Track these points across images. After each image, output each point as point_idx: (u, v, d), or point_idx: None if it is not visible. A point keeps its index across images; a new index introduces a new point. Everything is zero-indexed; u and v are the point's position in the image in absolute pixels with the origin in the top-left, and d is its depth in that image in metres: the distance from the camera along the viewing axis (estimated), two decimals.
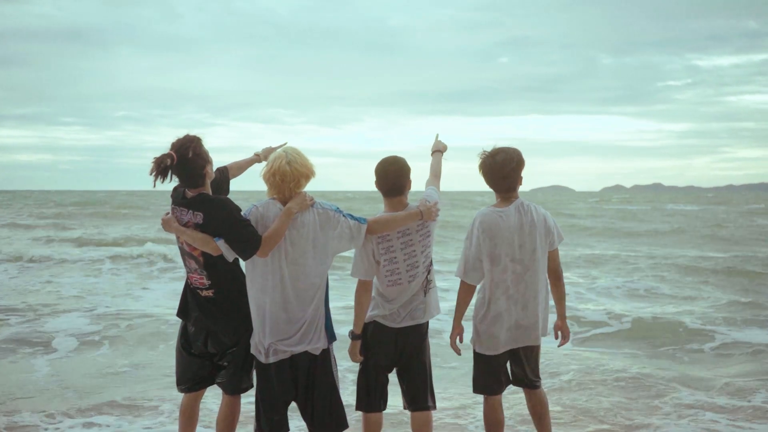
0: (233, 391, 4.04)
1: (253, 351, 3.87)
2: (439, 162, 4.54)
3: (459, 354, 4.26)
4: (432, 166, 4.53)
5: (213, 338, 3.96)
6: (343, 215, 3.86)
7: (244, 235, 3.71)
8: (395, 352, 4.04)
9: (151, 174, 3.82)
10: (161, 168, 3.82)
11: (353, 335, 4.02)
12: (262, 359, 3.81)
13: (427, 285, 4.05)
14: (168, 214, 3.95)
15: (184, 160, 3.82)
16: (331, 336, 3.88)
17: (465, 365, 5.84)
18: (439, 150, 4.60)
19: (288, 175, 3.74)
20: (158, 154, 3.85)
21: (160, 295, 12.24)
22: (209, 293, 3.93)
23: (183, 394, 4.18)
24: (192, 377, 4.09)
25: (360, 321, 4.00)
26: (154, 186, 3.86)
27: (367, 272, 3.96)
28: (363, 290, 3.98)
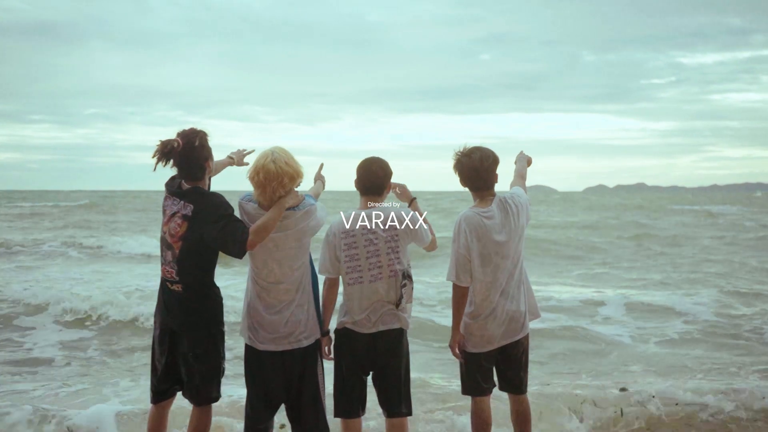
0: (201, 401, 3.95)
1: (247, 341, 3.92)
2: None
3: (460, 360, 4.24)
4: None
5: (177, 341, 3.87)
6: (314, 199, 3.98)
7: (232, 229, 3.68)
8: (368, 357, 4.01)
9: (153, 156, 3.79)
10: (166, 150, 3.78)
11: (321, 332, 4.04)
12: (258, 345, 3.86)
13: (399, 300, 3.97)
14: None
15: (191, 148, 3.81)
16: (322, 327, 3.97)
17: None
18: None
19: (271, 173, 3.71)
20: (164, 138, 3.81)
21: None
22: (178, 287, 3.85)
23: (151, 404, 4.06)
24: (160, 384, 3.98)
25: (326, 318, 4.05)
26: (155, 169, 3.83)
27: (329, 270, 4.01)
28: (328, 287, 4.05)
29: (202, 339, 3.85)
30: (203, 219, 3.73)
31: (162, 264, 3.93)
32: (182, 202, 3.82)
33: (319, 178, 4.51)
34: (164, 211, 3.93)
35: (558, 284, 13.96)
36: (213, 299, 3.90)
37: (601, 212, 45.40)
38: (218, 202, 3.77)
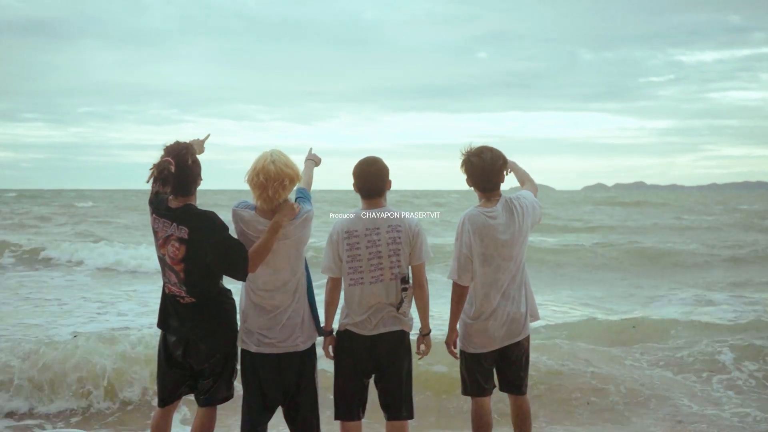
0: (207, 402, 3.94)
1: (242, 345, 3.90)
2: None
3: (457, 358, 4.26)
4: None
5: (193, 348, 3.84)
6: (309, 204, 3.94)
7: (234, 255, 3.67)
8: (369, 360, 3.97)
9: (148, 181, 3.74)
10: (164, 175, 3.70)
11: (323, 331, 4.03)
12: (252, 348, 3.85)
13: (400, 303, 3.94)
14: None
15: (185, 167, 3.75)
16: (319, 330, 3.96)
17: None
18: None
19: (272, 174, 3.69)
20: (156, 161, 3.74)
21: None
22: (191, 300, 3.81)
23: (158, 407, 4.03)
24: (170, 389, 3.96)
25: (328, 317, 4.03)
26: (152, 192, 3.79)
27: (332, 269, 3.97)
28: (330, 287, 4.01)
29: (219, 343, 3.85)
30: (201, 242, 3.69)
31: (167, 284, 3.90)
32: (174, 224, 3.74)
33: (311, 158, 4.40)
34: (156, 233, 3.84)
35: None
36: (227, 303, 3.90)
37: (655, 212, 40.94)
38: (213, 224, 3.72)
